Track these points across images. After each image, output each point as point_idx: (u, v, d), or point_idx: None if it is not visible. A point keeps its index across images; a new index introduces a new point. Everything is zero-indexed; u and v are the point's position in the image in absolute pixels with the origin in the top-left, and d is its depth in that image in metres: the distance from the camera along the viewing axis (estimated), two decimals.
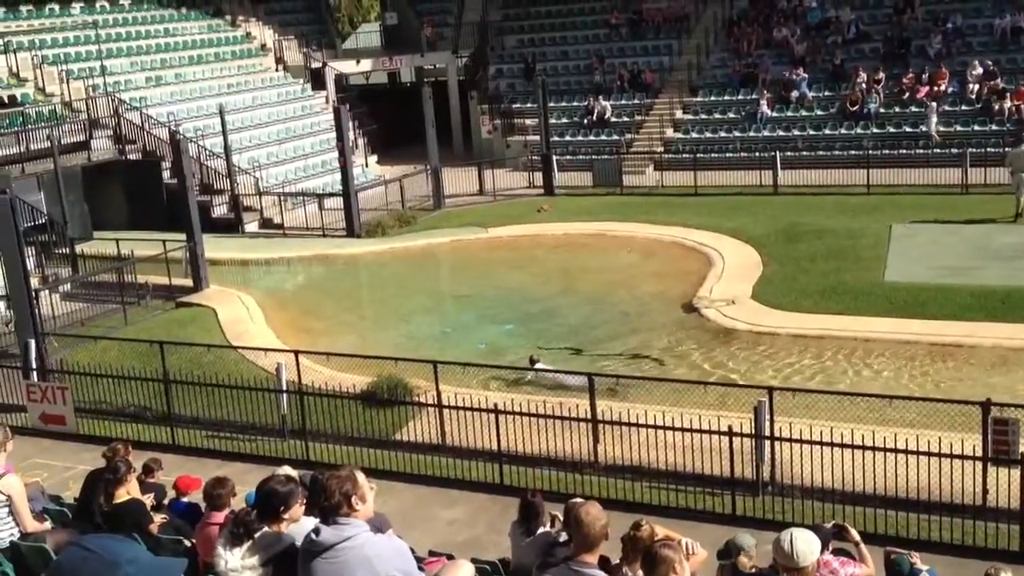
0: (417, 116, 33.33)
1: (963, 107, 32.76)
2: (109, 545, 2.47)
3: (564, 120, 38.32)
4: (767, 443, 12.49)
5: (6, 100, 32.20)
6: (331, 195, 31.05)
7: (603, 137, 37.23)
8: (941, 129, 32.19)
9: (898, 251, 23.15)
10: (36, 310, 18.71)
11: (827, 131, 33.93)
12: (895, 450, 11.60)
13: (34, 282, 20.81)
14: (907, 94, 33.63)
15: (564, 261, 26.43)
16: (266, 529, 5.77)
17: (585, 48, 41.51)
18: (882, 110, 33.56)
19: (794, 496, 12.20)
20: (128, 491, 8.97)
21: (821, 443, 11.95)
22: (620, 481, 13.04)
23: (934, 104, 32.65)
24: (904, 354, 17.48)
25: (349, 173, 29.55)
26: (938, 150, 31.12)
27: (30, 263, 21.02)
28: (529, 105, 38.30)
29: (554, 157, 33.55)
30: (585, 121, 38.10)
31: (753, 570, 7.40)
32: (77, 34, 36.88)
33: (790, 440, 12.24)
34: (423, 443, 14.72)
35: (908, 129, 32.78)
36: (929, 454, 11.48)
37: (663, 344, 19.29)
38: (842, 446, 11.84)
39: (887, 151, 31.59)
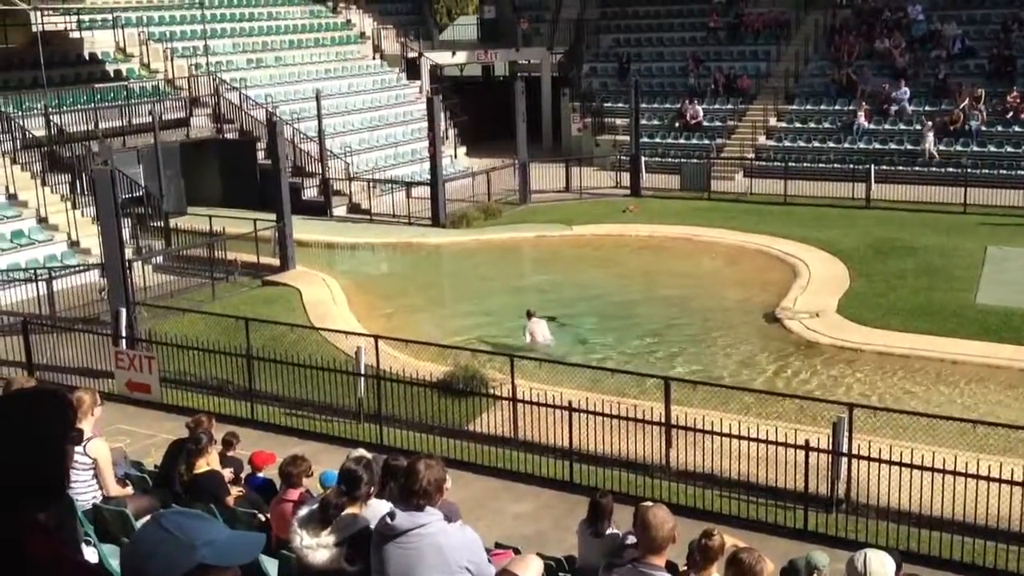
0: (508, 110, 33.41)
1: None
2: (187, 525, 2.48)
3: (655, 122, 38.04)
4: (844, 460, 12.31)
5: (112, 74, 33.11)
6: (419, 184, 31.36)
7: (694, 141, 36.89)
8: (941, 148, 31.97)
9: (992, 274, 22.55)
10: (129, 280, 19.21)
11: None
12: (976, 476, 11.36)
13: (128, 252, 21.33)
14: (1011, 113, 32.73)
15: (647, 263, 26.30)
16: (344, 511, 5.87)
17: (681, 50, 41.14)
18: (983, 128, 32.72)
19: (868, 516, 12.01)
20: (208, 462, 9.22)
21: (900, 464, 11.75)
22: (691, 488, 12.96)
23: (930, 123, 32.38)
24: (992, 379, 17.05)
25: (438, 163, 29.79)
26: (935, 169, 30.43)
27: (126, 234, 21.55)
28: (621, 105, 38.08)
29: (643, 158, 33.40)
30: (677, 124, 37.80)
31: None
32: (183, 13, 37.75)
33: (868, 459, 12.05)
34: (495, 435, 14.80)
35: (1010, 149, 31.91)
36: (1012, 483, 11.21)
37: (741, 353, 19.09)
38: (921, 468, 11.62)
39: (986, 170, 30.82)
